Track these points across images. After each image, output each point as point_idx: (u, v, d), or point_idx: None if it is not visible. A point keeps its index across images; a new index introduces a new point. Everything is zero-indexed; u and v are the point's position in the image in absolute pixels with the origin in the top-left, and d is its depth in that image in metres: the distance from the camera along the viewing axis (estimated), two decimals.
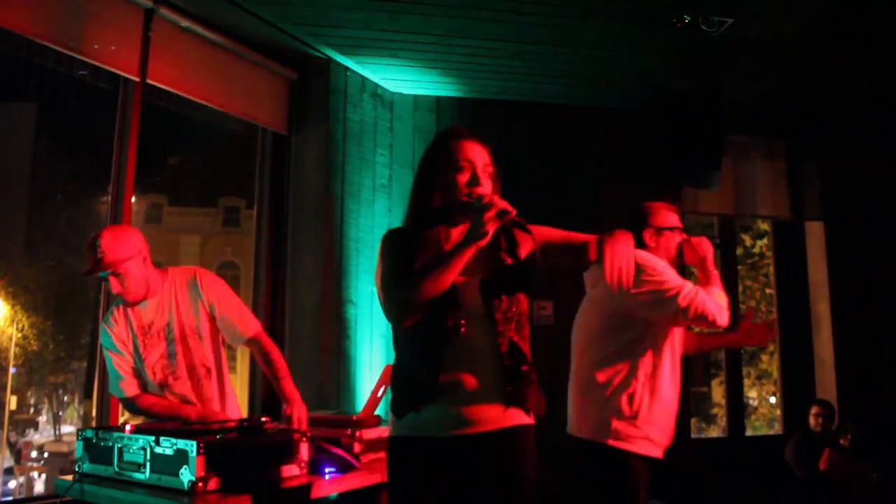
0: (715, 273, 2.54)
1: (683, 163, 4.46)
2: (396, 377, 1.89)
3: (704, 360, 11.83)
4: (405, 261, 1.81)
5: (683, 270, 2.75)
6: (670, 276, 2.43)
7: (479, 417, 1.77)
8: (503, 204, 1.74)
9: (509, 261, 1.87)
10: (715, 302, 2.40)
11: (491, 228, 1.74)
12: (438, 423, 1.77)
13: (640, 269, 2.40)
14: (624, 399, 2.40)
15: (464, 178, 1.86)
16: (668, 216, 2.62)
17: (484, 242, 1.77)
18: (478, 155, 1.89)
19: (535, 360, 1.87)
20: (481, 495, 1.77)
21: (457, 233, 1.88)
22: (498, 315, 1.80)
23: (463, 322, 1.78)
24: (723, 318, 2.40)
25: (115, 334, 2.51)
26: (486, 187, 1.86)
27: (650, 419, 2.40)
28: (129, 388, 2.51)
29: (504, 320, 1.81)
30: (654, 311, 2.40)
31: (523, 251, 1.91)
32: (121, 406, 2.76)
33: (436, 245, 1.86)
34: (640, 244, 2.53)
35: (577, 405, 2.52)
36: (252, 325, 2.60)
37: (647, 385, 2.42)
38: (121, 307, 2.54)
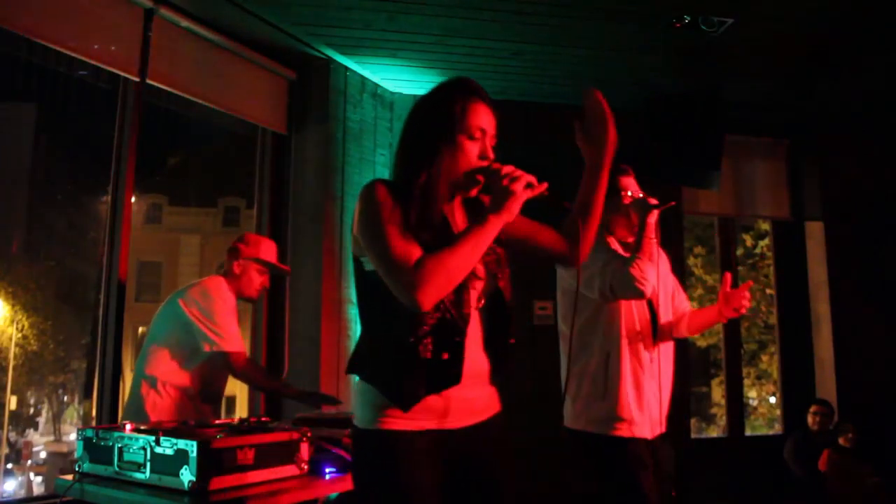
0: (648, 240, 2.34)
1: (683, 163, 4.46)
2: (388, 355, 1.54)
3: (704, 359, 11.81)
4: (407, 231, 1.47)
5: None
6: (599, 254, 2.34)
7: (490, 401, 1.65)
8: (529, 176, 1.51)
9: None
10: (630, 274, 2.27)
11: (522, 199, 1.50)
12: (456, 412, 1.56)
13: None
14: (588, 383, 2.39)
15: (475, 149, 1.57)
16: (620, 181, 2.51)
17: (512, 217, 1.51)
18: (490, 123, 1.60)
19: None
20: (492, 479, 1.62)
21: (460, 212, 1.67)
22: (508, 296, 1.64)
23: (481, 300, 1.61)
24: (638, 292, 2.28)
25: None
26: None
27: (620, 400, 2.35)
28: None
29: (510, 301, 1.65)
30: (587, 288, 2.37)
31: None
32: (120, 405, 2.76)
33: (439, 224, 1.55)
34: None
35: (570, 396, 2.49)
36: None
37: (608, 367, 2.37)
38: None
